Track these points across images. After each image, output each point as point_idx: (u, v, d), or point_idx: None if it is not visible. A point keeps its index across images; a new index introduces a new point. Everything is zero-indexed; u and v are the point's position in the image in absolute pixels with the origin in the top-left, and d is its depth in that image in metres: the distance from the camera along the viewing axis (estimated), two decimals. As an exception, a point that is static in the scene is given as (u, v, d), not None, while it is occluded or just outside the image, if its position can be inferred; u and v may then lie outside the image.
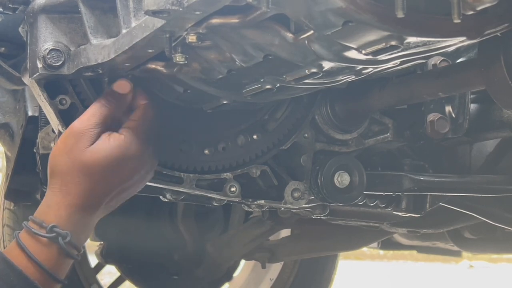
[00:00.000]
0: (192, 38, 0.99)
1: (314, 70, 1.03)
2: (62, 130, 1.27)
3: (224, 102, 1.29)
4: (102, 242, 2.66)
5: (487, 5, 0.81)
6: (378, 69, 1.06)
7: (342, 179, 1.39)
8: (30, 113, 1.71)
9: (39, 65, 1.23)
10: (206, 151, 1.38)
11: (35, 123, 1.61)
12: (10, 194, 1.96)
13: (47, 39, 1.24)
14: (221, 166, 1.38)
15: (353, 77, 1.11)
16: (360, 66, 1.02)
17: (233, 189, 1.38)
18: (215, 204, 1.47)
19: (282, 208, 1.53)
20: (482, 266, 8.07)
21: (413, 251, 2.85)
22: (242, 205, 1.48)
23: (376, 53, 0.92)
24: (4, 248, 2.63)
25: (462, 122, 1.41)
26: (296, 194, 1.40)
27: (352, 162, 1.41)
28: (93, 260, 2.77)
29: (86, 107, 1.30)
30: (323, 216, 1.57)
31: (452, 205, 1.70)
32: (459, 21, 0.79)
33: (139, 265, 2.61)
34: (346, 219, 1.79)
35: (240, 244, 2.40)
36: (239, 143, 1.40)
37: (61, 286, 1.24)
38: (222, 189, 1.38)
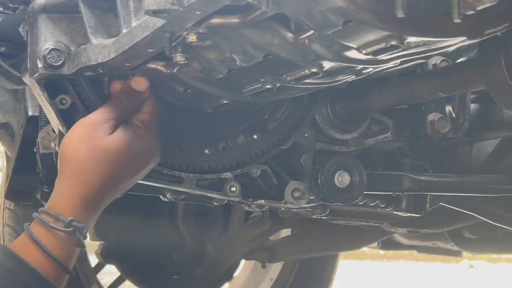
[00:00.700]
0: (192, 38, 0.99)
1: (314, 70, 1.03)
2: (62, 130, 1.27)
3: (224, 102, 1.29)
4: (102, 242, 2.66)
5: (487, 5, 0.81)
6: (378, 69, 1.06)
7: (342, 179, 1.39)
8: (30, 113, 1.71)
9: (40, 64, 1.23)
10: (206, 151, 1.38)
11: (35, 122, 1.61)
12: (10, 194, 1.96)
13: (47, 38, 1.24)
14: (221, 166, 1.38)
15: (353, 77, 1.11)
16: (360, 66, 1.02)
17: (233, 189, 1.38)
18: (215, 204, 1.47)
19: (282, 208, 1.53)
20: (482, 266, 8.07)
21: (413, 251, 2.85)
22: (242, 205, 1.48)
23: (376, 53, 0.92)
24: (4, 247, 2.63)
25: (462, 122, 1.41)
26: (296, 194, 1.40)
27: (352, 162, 1.41)
28: (93, 260, 2.77)
29: (86, 106, 1.30)
30: (323, 216, 1.57)
31: (452, 205, 1.70)
32: (459, 21, 0.79)
33: (139, 265, 2.60)
34: (346, 219, 1.79)
35: (240, 244, 2.40)
36: (239, 142, 1.40)
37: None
38: (222, 189, 1.38)
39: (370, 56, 0.94)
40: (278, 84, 1.15)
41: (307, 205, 1.46)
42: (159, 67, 1.19)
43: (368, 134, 1.47)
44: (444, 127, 1.38)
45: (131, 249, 2.60)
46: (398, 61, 1.01)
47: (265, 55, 1.03)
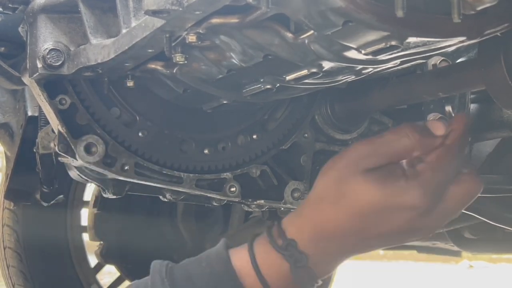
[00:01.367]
0: (192, 38, 0.99)
1: (314, 70, 1.03)
2: (62, 130, 1.27)
3: (224, 102, 1.29)
4: (102, 242, 2.66)
5: (487, 5, 0.81)
6: (378, 69, 1.06)
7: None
8: (30, 113, 1.71)
9: (39, 65, 1.23)
10: (206, 151, 1.38)
11: (35, 123, 1.61)
12: (10, 194, 1.96)
13: (47, 39, 1.24)
14: (221, 166, 1.38)
15: (353, 77, 1.10)
16: (360, 66, 1.02)
17: (233, 189, 1.38)
18: (215, 204, 1.47)
19: (282, 208, 1.53)
20: (482, 266, 8.06)
21: (413, 251, 2.85)
22: (242, 205, 1.48)
23: (376, 53, 0.92)
24: (4, 248, 2.63)
25: (462, 122, 1.41)
26: (296, 194, 1.40)
27: (352, 162, 1.41)
28: (92, 260, 2.77)
29: (86, 107, 1.30)
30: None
31: (452, 205, 1.70)
32: (459, 21, 0.79)
33: (139, 265, 2.60)
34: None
35: (240, 243, 2.40)
36: (239, 143, 1.40)
37: None
38: (222, 189, 1.38)
39: (370, 56, 0.94)
40: (278, 84, 1.15)
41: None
42: (159, 67, 1.19)
43: (368, 134, 1.47)
44: (444, 127, 1.38)
45: (131, 249, 2.61)
46: (398, 61, 1.00)
47: (264, 55, 1.03)
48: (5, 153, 1.94)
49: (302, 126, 1.42)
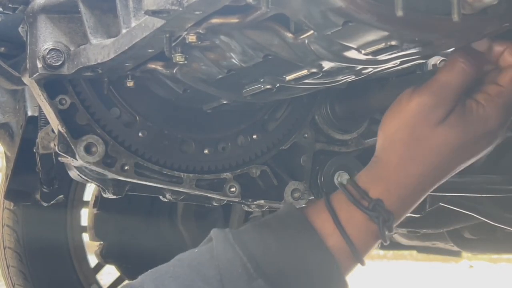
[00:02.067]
0: (192, 38, 0.99)
1: (314, 70, 1.03)
2: (62, 130, 1.27)
3: (224, 102, 1.29)
4: (102, 242, 2.66)
5: (487, 5, 0.81)
6: (378, 69, 1.06)
7: (342, 179, 1.39)
8: (29, 113, 1.71)
9: (39, 65, 1.23)
10: (206, 151, 1.38)
11: (35, 123, 1.61)
12: (10, 194, 1.96)
13: (46, 39, 1.23)
14: (221, 166, 1.38)
15: (353, 77, 1.11)
16: (360, 66, 1.02)
17: (233, 189, 1.38)
18: (215, 204, 1.47)
19: (282, 208, 1.52)
20: (482, 266, 8.06)
21: (413, 251, 2.85)
22: (242, 205, 1.48)
23: (376, 53, 0.92)
24: (4, 248, 2.63)
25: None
26: (296, 194, 1.40)
27: (352, 162, 1.41)
28: (92, 260, 2.77)
29: (86, 107, 1.30)
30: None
31: (452, 205, 1.70)
32: (459, 21, 0.79)
33: (139, 265, 2.60)
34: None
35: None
36: (239, 143, 1.40)
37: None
38: (222, 189, 1.38)
39: (369, 56, 0.94)
40: (278, 84, 1.15)
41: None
42: (159, 67, 1.19)
43: (368, 134, 1.47)
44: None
45: (131, 250, 2.61)
46: (398, 61, 1.00)
47: (264, 55, 1.03)
48: (5, 153, 1.94)
49: (302, 126, 1.42)
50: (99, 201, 2.61)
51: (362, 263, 1.07)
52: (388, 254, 8.00)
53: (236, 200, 1.39)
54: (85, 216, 2.70)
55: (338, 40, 0.90)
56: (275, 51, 1.00)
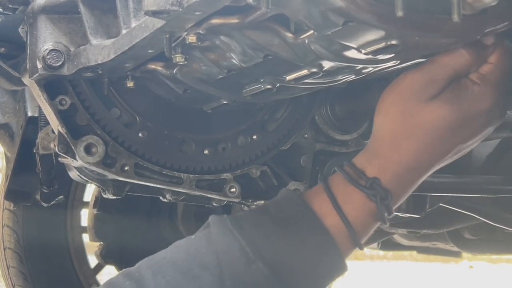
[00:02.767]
0: (192, 38, 0.99)
1: (314, 70, 1.03)
2: (62, 131, 1.27)
3: (224, 102, 1.29)
4: (102, 243, 2.66)
5: (487, 5, 0.81)
6: (378, 69, 1.06)
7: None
8: (30, 114, 1.71)
9: (39, 65, 1.23)
10: (206, 152, 1.38)
11: (35, 123, 1.61)
12: (10, 194, 1.96)
13: (47, 39, 1.24)
14: (221, 167, 1.38)
15: (353, 77, 1.11)
16: (360, 66, 1.02)
17: (233, 189, 1.38)
18: (215, 204, 1.47)
19: (282, 209, 1.52)
20: (482, 266, 8.06)
21: (413, 251, 2.85)
22: (242, 205, 1.48)
23: (376, 52, 0.92)
24: (4, 248, 2.63)
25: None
26: (296, 195, 1.40)
27: (352, 162, 1.41)
28: (93, 261, 2.77)
29: (86, 107, 1.30)
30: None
31: (452, 206, 1.70)
32: (459, 21, 0.79)
33: (139, 266, 2.60)
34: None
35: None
36: (239, 143, 1.40)
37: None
38: (222, 190, 1.38)
39: (369, 56, 0.94)
40: (278, 84, 1.15)
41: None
42: (159, 68, 1.19)
43: (368, 134, 1.46)
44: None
45: (131, 250, 2.61)
46: (398, 61, 1.01)
47: (264, 55, 1.03)
48: (5, 153, 1.94)
49: (302, 126, 1.42)
50: (99, 202, 2.61)
51: (360, 246, 1.06)
52: (388, 255, 8.00)
53: (236, 200, 1.39)
54: (85, 216, 2.70)
55: (338, 40, 0.91)
56: (275, 51, 1.00)
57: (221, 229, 1.04)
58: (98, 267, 2.79)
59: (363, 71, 1.07)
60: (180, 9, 0.90)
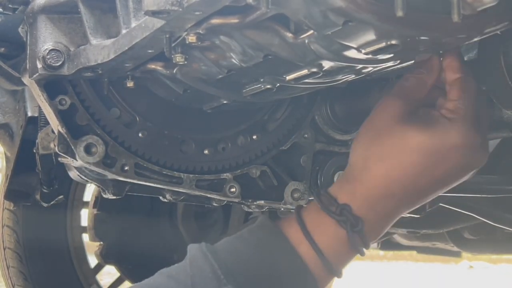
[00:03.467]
0: (192, 38, 0.99)
1: (314, 69, 1.03)
2: (62, 131, 1.27)
3: (224, 102, 1.29)
4: (101, 243, 2.66)
5: (487, 5, 0.81)
6: (378, 69, 1.06)
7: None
8: (29, 114, 1.71)
9: (39, 65, 1.23)
10: (206, 152, 1.38)
11: (35, 123, 1.61)
12: (10, 194, 1.96)
13: (46, 39, 1.24)
14: (220, 167, 1.38)
15: (353, 77, 1.11)
16: (360, 66, 1.02)
17: (233, 189, 1.38)
18: (215, 204, 1.47)
19: (282, 209, 1.53)
20: (482, 266, 8.07)
21: (412, 251, 2.85)
22: (242, 205, 1.48)
23: (376, 52, 0.92)
24: (4, 248, 2.63)
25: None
26: (296, 195, 1.40)
27: (352, 162, 1.41)
28: (92, 261, 2.77)
29: (86, 107, 1.30)
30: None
31: (452, 206, 1.70)
32: (459, 21, 0.79)
33: (139, 265, 2.61)
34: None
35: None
36: (238, 143, 1.40)
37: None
38: (222, 190, 1.38)
39: (369, 56, 0.94)
40: (278, 84, 1.15)
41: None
42: (159, 68, 1.19)
43: (368, 134, 1.47)
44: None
45: (131, 250, 2.61)
46: (398, 60, 1.01)
47: (264, 55, 1.03)
48: (5, 153, 1.94)
49: (302, 126, 1.42)
50: (99, 202, 2.61)
51: (336, 273, 1.05)
52: (388, 255, 8.01)
53: (236, 200, 1.39)
54: (85, 216, 2.70)
55: (338, 40, 0.91)
56: (275, 51, 1.00)
57: (197, 253, 1.06)
58: (98, 267, 2.79)
59: (363, 71, 1.07)
60: (180, 9, 0.90)
